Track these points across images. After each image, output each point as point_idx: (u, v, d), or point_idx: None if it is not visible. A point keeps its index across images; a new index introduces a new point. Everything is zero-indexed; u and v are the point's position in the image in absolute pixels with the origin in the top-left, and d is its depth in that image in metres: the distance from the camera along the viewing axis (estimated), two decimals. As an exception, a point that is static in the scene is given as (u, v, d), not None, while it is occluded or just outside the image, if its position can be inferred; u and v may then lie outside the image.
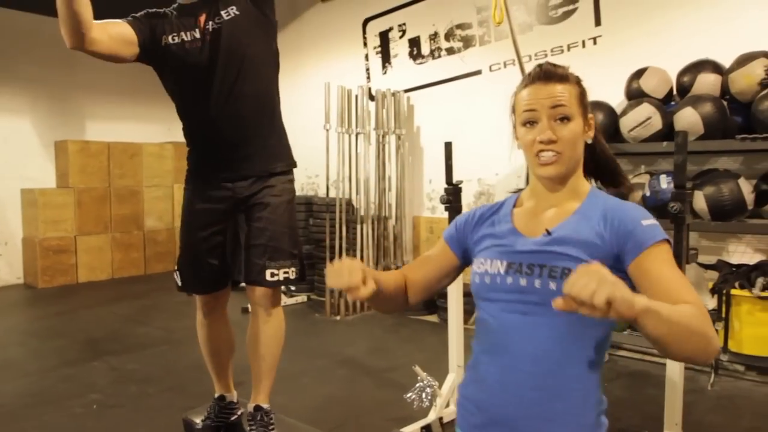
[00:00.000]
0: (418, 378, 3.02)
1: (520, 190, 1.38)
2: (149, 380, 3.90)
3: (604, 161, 1.37)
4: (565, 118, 1.22)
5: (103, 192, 7.55)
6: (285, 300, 6.09)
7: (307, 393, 3.64)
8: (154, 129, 8.45)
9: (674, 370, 2.47)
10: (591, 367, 1.15)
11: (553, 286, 1.12)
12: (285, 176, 2.17)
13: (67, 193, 7.24)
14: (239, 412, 2.33)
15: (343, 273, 1.16)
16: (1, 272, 7.12)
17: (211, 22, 2.00)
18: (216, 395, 2.23)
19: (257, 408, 2.04)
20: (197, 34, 1.98)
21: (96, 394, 3.64)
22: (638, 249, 1.12)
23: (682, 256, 2.42)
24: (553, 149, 1.21)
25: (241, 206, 2.07)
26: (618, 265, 1.14)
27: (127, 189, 7.78)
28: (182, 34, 1.99)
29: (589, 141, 1.28)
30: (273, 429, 2.05)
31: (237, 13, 2.01)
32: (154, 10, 2.06)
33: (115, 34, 1.92)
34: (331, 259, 5.64)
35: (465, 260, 1.39)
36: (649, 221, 1.16)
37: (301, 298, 6.25)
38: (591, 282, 0.88)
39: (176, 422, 3.07)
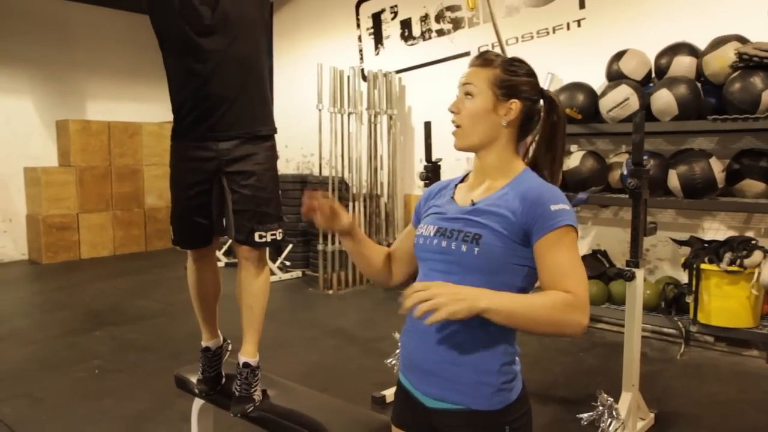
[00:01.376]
0: (398, 343, 3.22)
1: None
2: (148, 348, 4.11)
3: (549, 153, 1.43)
4: (469, 95, 1.36)
5: (104, 170, 7.73)
6: (280, 275, 6.30)
7: (295, 359, 3.85)
8: (154, 108, 8.58)
9: (631, 336, 2.66)
10: None
11: (464, 248, 1.27)
12: (267, 142, 2.30)
13: (69, 172, 7.42)
14: (229, 348, 2.51)
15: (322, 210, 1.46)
16: (6, 248, 7.33)
17: None
18: (202, 346, 2.40)
19: (245, 365, 2.23)
20: None
21: (98, 360, 3.86)
22: (541, 231, 1.23)
23: (639, 229, 2.59)
24: (454, 121, 1.39)
25: (224, 168, 2.19)
26: (526, 242, 1.27)
27: (127, 167, 7.95)
28: None
29: (504, 124, 1.36)
30: (257, 386, 2.24)
31: None
32: None
33: None
34: (324, 236, 5.83)
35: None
36: (559, 206, 1.25)
37: (296, 273, 6.45)
38: (442, 288, 1.14)
39: (172, 385, 3.28)
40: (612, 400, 2.50)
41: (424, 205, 1.52)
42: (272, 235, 2.27)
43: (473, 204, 1.34)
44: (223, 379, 2.38)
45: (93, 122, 7.69)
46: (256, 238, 2.23)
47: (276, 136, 2.39)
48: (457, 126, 1.38)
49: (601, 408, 2.50)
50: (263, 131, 2.29)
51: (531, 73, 1.41)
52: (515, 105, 1.35)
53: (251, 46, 2.24)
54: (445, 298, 1.12)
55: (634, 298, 2.63)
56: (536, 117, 1.44)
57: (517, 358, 1.36)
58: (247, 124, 2.23)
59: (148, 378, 3.56)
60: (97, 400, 3.25)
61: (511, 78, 1.36)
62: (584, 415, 2.54)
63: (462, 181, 1.50)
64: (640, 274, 2.62)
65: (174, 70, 2.22)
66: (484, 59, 1.38)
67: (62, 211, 7.32)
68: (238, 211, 2.23)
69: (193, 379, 2.39)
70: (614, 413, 2.49)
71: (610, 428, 2.47)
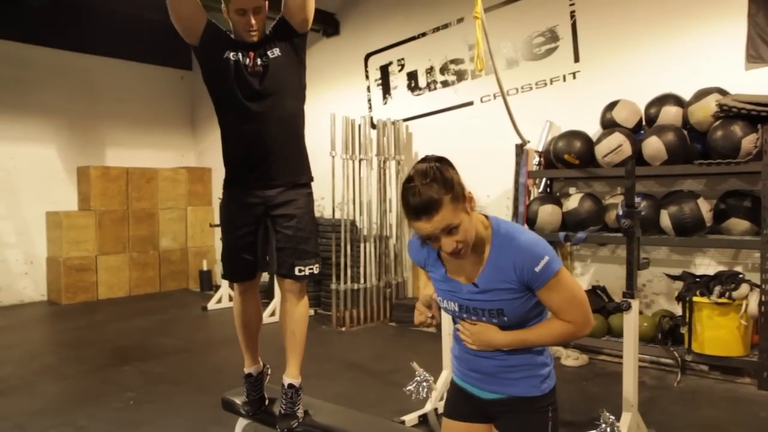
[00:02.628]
0: (416, 373, 3.49)
1: None
2: (176, 381, 4.37)
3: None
4: (454, 228, 1.51)
5: (122, 214, 8.07)
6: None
7: (317, 390, 4.06)
8: (169, 155, 9.01)
9: (629, 360, 2.94)
10: None
11: (495, 320, 1.66)
12: (306, 189, 2.66)
13: (88, 215, 7.75)
14: (268, 373, 2.79)
15: (419, 316, 1.77)
16: (27, 290, 7.60)
17: (259, 59, 2.50)
18: (245, 373, 2.68)
19: (290, 386, 2.51)
20: (250, 63, 2.47)
21: (130, 392, 4.11)
22: (538, 286, 1.58)
23: (633, 264, 2.91)
24: (459, 248, 1.56)
25: (270, 212, 2.54)
26: (531, 289, 1.60)
27: (143, 211, 8.30)
28: (239, 56, 2.48)
29: (473, 211, 1.58)
30: (300, 404, 2.52)
31: (279, 54, 2.54)
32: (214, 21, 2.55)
33: (192, 1, 2.39)
34: (337, 276, 6.13)
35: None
36: (541, 265, 1.54)
37: (309, 312, 6.70)
38: (473, 337, 1.68)
39: (204, 413, 3.56)
40: (614, 418, 2.77)
41: (422, 263, 1.81)
42: (310, 269, 2.60)
43: (476, 285, 1.65)
44: (267, 401, 2.66)
45: (112, 168, 8.07)
46: (296, 272, 2.57)
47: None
48: (463, 252, 1.57)
49: (603, 425, 2.77)
50: (302, 180, 2.65)
51: (445, 167, 1.53)
52: (469, 194, 1.57)
53: (292, 107, 2.60)
54: (473, 338, 1.69)
55: (630, 327, 2.93)
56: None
57: (551, 357, 1.77)
58: (289, 174, 2.59)
59: (181, 407, 3.81)
60: (137, 427, 3.50)
61: (454, 187, 1.51)
62: (591, 432, 2.81)
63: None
64: (635, 304, 2.92)
65: (228, 128, 2.58)
66: (431, 204, 1.48)
67: (81, 254, 7.62)
68: (280, 249, 2.56)
69: (239, 401, 2.66)
70: (616, 430, 2.76)
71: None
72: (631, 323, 2.91)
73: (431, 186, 1.48)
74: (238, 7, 2.43)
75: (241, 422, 2.74)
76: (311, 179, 2.70)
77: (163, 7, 2.43)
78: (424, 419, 3.54)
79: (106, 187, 7.92)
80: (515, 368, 1.69)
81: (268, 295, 6.48)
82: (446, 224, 1.50)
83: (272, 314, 6.14)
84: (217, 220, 4.02)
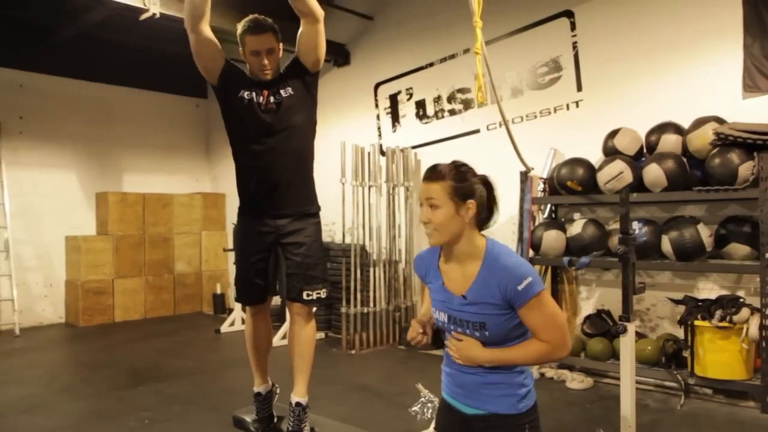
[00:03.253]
0: (421, 394, 3.59)
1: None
2: (190, 402, 4.49)
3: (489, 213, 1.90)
4: (434, 206, 1.78)
5: (138, 239, 8.27)
6: (305, 336, 6.68)
7: (325, 411, 4.19)
8: (184, 181, 9.24)
9: (626, 381, 3.04)
10: None
11: (477, 334, 1.80)
12: (314, 218, 2.82)
13: (106, 240, 7.97)
14: (277, 392, 2.92)
15: (411, 332, 1.98)
16: (45, 312, 7.80)
17: (272, 97, 2.68)
18: (255, 392, 2.81)
19: (297, 404, 2.64)
20: (263, 101, 2.64)
21: (146, 412, 4.24)
22: (519, 305, 1.74)
23: (629, 288, 3.02)
24: (429, 227, 1.82)
25: (280, 240, 2.69)
26: (512, 308, 1.76)
27: (159, 236, 8.50)
28: (253, 95, 2.65)
29: (466, 221, 1.79)
30: (306, 422, 2.65)
31: (292, 92, 2.71)
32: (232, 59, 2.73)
33: (214, 40, 2.59)
34: (347, 300, 6.26)
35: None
36: (524, 284, 1.71)
37: (320, 335, 6.83)
38: (458, 352, 1.83)
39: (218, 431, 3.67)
40: None
41: (424, 277, 2.02)
42: (317, 293, 2.74)
43: (465, 298, 1.81)
44: (275, 419, 2.79)
45: (129, 194, 8.30)
46: (305, 296, 2.71)
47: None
48: (433, 230, 1.80)
49: None
50: (311, 210, 2.81)
51: (474, 173, 1.84)
52: (472, 204, 1.79)
53: (303, 142, 2.78)
54: (459, 353, 1.84)
55: (627, 349, 3.03)
56: (487, 201, 1.87)
57: (531, 377, 1.89)
58: (298, 205, 2.75)
59: (195, 426, 3.93)
60: (152, 446, 3.63)
61: (463, 185, 1.79)
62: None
63: (440, 257, 1.93)
64: (631, 327, 3.02)
65: (242, 162, 2.76)
66: (437, 174, 1.81)
67: (99, 277, 7.81)
68: (290, 275, 2.71)
69: (248, 419, 2.79)
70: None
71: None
72: (627, 346, 3.02)
73: (449, 168, 1.81)
74: (252, 50, 2.62)
75: (252, 439, 2.87)
76: (319, 209, 2.86)
77: (178, 39, 2.63)
78: (429, 439, 3.63)
79: (123, 212, 8.15)
80: (494, 385, 1.82)
81: (280, 318, 6.61)
82: (431, 197, 1.78)
83: (283, 337, 6.27)
84: (230, 245, 4.18)
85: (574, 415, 4.09)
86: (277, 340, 6.00)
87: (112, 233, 8.01)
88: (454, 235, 1.80)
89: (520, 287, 1.71)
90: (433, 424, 3.68)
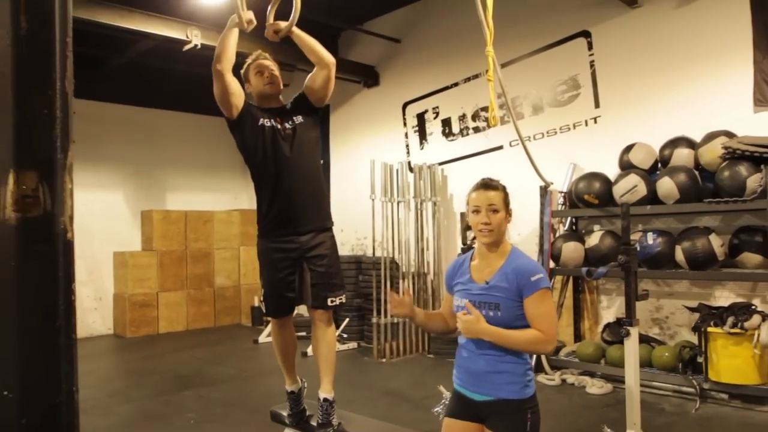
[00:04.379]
0: (443, 396, 3.86)
1: (471, 248, 2.33)
2: (231, 405, 4.84)
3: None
4: (495, 210, 2.18)
5: (181, 254, 8.74)
6: (338, 346, 6.99)
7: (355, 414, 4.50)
8: (224, 198, 9.71)
9: (631, 381, 3.26)
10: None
11: (491, 313, 2.12)
12: (330, 232, 3.12)
13: (151, 255, 8.45)
14: (305, 387, 3.23)
15: (394, 303, 2.35)
16: (95, 324, 8.29)
17: (286, 124, 3.00)
18: (288, 391, 3.13)
19: (325, 400, 2.94)
20: (280, 128, 2.97)
21: (191, 413, 4.60)
22: (527, 294, 2.10)
23: (631, 296, 3.25)
24: (486, 226, 2.16)
25: (305, 255, 2.99)
26: (521, 298, 2.10)
27: (200, 251, 8.95)
28: (272, 122, 2.98)
29: (508, 224, 2.24)
30: (333, 415, 2.94)
31: (302, 120, 3.04)
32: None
33: (237, 81, 2.93)
34: (378, 310, 6.56)
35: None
36: (536, 277, 2.10)
37: (353, 345, 7.14)
38: (466, 324, 2.12)
39: (255, 431, 4.00)
40: None
41: (452, 281, 2.37)
42: (339, 299, 3.04)
43: (487, 283, 2.16)
44: (307, 412, 3.10)
45: (172, 212, 8.79)
46: (329, 303, 3.01)
47: (334, 220, 3.22)
48: (489, 230, 2.17)
49: None
50: (327, 224, 3.12)
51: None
52: (511, 211, 2.23)
53: (316, 162, 3.10)
54: (467, 326, 2.14)
55: (631, 351, 3.26)
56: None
57: (531, 370, 2.21)
58: (317, 221, 3.06)
59: (236, 426, 4.27)
60: (197, 443, 3.97)
61: (507, 197, 2.23)
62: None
63: (471, 259, 2.32)
64: (634, 331, 3.25)
65: (264, 185, 3.04)
66: (495, 184, 2.24)
67: (144, 290, 8.28)
68: (314, 285, 3.01)
69: (284, 413, 3.11)
70: (618, 444, 3.07)
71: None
72: (631, 348, 3.24)
73: (499, 184, 2.25)
74: (256, 71, 2.97)
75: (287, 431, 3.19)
76: (332, 223, 3.17)
77: (211, 62, 2.92)
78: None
79: (166, 229, 8.62)
80: (501, 373, 2.12)
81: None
82: (493, 203, 2.17)
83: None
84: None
85: (590, 419, 4.29)
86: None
87: (156, 249, 8.49)
88: (502, 234, 2.22)
89: (532, 278, 2.10)
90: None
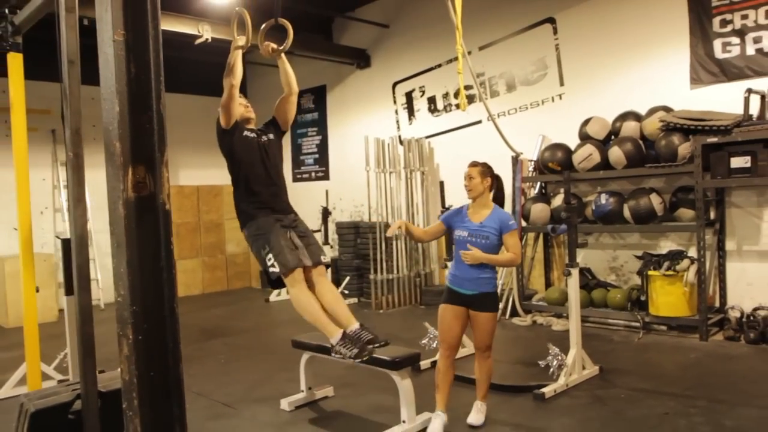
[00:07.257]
0: (428, 331, 4.77)
1: (448, 209, 3.32)
2: (251, 348, 5.76)
3: (498, 195, 3.46)
4: (473, 177, 3.32)
5: (195, 225, 9.60)
6: (341, 302, 7.92)
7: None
8: (231, 173, 10.51)
9: (573, 310, 4.15)
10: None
11: (483, 242, 3.28)
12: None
13: (168, 227, 9.28)
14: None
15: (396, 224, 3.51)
16: (122, 290, 9.17)
17: (264, 138, 3.86)
18: (337, 341, 3.71)
19: (354, 330, 3.59)
20: (258, 139, 3.82)
21: (221, 356, 5.51)
22: (505, 232, 3.39)
23: (572, 243, 4.12)
24: (468, 187, 3.30)
25: (292, 226, 3.81)
26: (500, 234, 3.25)
27: (212, 222, 9.81)
28: (253, 135, 3.82)
29: (486, 186, 3.39)
30: (368, 331, 3.61)
31: (272, 137, 3.92)
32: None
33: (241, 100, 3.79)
34: (375, 269, 7.45)
35: (449, 228, 3.51)
36: (511, 221, 3.42)
37: (353, 300, 8.06)
38: (469, 255, 3.39)
39: (274, 366, 4.92)
40: (558, 349, 4.00)
41: (451, 219, 3.51)
42: (325, 258, 3.86)
43: (481, 224, 3.31)
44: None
45: (185, 186, 9.62)
46: (323, 260, 3.83)
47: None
48: (469, 190, 3.32)
49: (550, 357, 4.00)
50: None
51: (490, 167, 3.45)
52: (488, 179, 3.33)
53: (282, 166, 3.94)
54: (470, 256, 3.32)
55: (573, 288, 4.15)
56: (494, 182, 3.39)
57: (497, 277, 3.41)
58: (290, 206, 3.89)
59: (257, 363, 5.19)
60: (229, 375, 4.89)
61: (485, 170, 3.35)
62: (540, 361, 4.05)
63: (468, 209, 3.44)
64: (575, 272, 4.13)
65: (252, 181, 3.76)
66: (476, 164, 3.39)
67: (164, 259, 9.14)
68: (308, 245, 3.81)
69: (305, 340, 3.97)
70: (560, 358, 3.98)
71: (557, 370, 3.96)
72: (573, 285, 4.14)
73: (479, 163, 3.51)
74: (242, 104, 3.80)
75: (305, 356, 4.08)
76: None
77: (227, 53, 3.66)
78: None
79: (181, 202, 9.47)
80: (483, 279, 3.34)
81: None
82: (471, 175, 3.46)
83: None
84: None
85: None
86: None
87: (172, 221, 9.31)
88: (479, 193, 3.45)
89: (509, 222, 3.44)
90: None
